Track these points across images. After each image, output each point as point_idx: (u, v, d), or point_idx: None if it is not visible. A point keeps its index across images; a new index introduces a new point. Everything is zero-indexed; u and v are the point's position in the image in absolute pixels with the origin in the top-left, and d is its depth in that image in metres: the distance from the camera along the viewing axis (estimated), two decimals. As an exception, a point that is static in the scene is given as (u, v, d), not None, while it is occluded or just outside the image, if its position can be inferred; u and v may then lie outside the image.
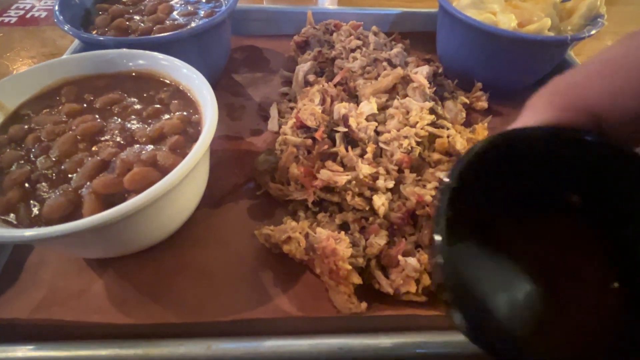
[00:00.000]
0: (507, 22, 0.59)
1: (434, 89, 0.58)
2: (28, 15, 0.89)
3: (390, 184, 0.45)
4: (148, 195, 0.34)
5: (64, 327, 0.40)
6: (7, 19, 0.88)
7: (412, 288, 0.40)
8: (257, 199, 0.52)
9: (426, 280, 0.41)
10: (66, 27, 0.56)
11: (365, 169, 0.45)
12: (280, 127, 0.60)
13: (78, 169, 0.38)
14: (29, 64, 0.75)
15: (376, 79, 0.59)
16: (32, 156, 0.40)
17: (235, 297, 0.42)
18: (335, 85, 0.58)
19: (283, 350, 0.36)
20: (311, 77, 0.62)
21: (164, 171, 0.38)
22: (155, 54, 0.48)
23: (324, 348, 0.36)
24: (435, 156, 0.47)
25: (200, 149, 0.38)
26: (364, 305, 0.40)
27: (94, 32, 0.59)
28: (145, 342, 0.36)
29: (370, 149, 0.47)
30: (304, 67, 0.63)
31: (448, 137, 0.49)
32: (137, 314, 0.40)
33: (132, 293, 0.42)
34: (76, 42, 0.67)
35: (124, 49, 0.49)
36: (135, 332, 0.39)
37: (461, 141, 0.48)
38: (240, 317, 0.40)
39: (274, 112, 0.62)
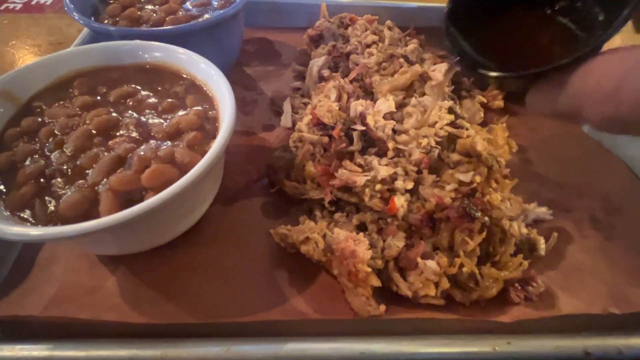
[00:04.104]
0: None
1: (452, 87, 0.57)
2: (33, 2, 0.87)
3: (409, 185, 0.44)
4: (168, 194, 0.33)
5: (77, 325, 0.39)
6: (12, 6, 0.86)
7: (432, 291, 0.40)
8: (271, 196, 0.51)
9: (445, 284, 0.40)
10: (77, 16, 0.54)
11: (383, 170, 0.44)
12: (293, 123, 0.59)
13: (94, 165, 0.37)
14: (35, 52, 0.74)
15: (392, 75, 0.58)
16: (46, 150, 0.39)
17: (251, 297, 0.41)
18: (350, 82, 0.57)
19: (304, 353, 0.35)
20: (325, 72, 0.60)
21: (182, 168, 0.37)
22: (174, 47, 0.47)
23: (346, 352, 0.35)
24: (455, 157, 0.46)
25: (219, 148, 0.37)
26: (382, 307, 0.39)
27: (104, 22, 0.57)
28: (164, 343, 0.36)
29: (389, 147, 0.46)
30: (318, 62, 0.62)
31: (468, 137, 0.48)
32: (151, 312, 0.39)
33: (145, 291, 0.41)
34: (85, 31, 0.66)
35: (139, 41, 0.48)
36: (150, 330, 0.39)
37: (481, 142, 0.47)
38: (257, 319, 0.39)
39: (287, 107, 0.61)
